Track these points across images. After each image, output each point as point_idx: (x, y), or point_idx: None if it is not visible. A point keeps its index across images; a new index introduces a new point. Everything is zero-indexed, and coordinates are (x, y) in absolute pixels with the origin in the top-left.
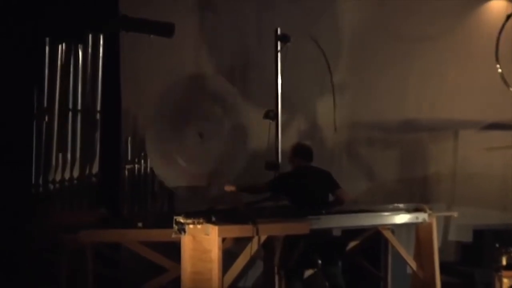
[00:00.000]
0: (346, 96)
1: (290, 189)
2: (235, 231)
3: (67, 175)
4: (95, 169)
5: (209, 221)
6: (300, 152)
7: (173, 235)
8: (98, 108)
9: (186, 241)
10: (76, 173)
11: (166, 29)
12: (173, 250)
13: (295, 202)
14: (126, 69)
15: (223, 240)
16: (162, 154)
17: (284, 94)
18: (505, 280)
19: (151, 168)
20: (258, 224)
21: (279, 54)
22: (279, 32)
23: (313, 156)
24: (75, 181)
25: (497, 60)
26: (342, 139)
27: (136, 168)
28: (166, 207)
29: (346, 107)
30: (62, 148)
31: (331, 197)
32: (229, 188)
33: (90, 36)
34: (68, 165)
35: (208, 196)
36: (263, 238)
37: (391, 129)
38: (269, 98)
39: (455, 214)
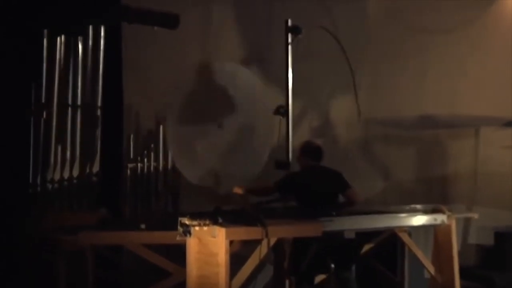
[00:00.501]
0: (360, 91)
1: (297, 190)
2: (243, 233)
3: (66, 174)
4: (96, 168)
5: (215, 222)
6: (309, 151)
7: (178, 238)
8: (99, 103)
9: (192, 244)
10: (75, 172)
11: (170, 21)
12: (178, 253)
13: (303, 203)
14: (128, 63)
15: (231, 242)
16: (184, 148)
17: (296, 89)
18: None
19: (154, 167)
20: (268, 226)
21: (289, 47)
22: (289, 23)
23: (323, 155)
24: (75, 181)
25: None
26: (356, 136)
27: (139, 166)
28: (170, 207)
29: (361, 102)
30: (61, 146)
31: (342, 199)
32: (237, 190)
33: (90, 28)
34: (68, 164)
35: (215, 196)
36: (273, 240)
37: (408, 125)
38: (280, 93)
39: (475, 215)
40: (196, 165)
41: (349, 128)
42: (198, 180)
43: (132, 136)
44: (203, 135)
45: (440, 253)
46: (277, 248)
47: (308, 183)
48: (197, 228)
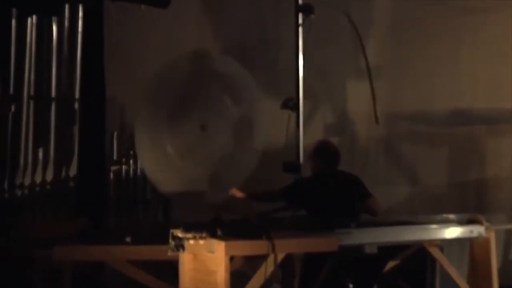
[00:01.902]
0: (382, 81)
1: (309, 199)
2: (246, 248)
3: (38, 178)
4: (73, 171)
5: (214, 235)
6: (323, 153)
7: (169, 253)
8: (77, 95)
9: (186, 260)
10: (49, 176)
11: None
12: (170, 271)
13: (316, 214)
14: (111, 49)
15: (231, 259)
16: (155, 151)
17: (307, 79)
18: None
19: (141, 170)
20: (275, 239)
21: (300, 29)
22: (300, 1)
23: (340, 158)
24: (49, 186)
25: None
26: (378, 134)
27: (124, 169)
28: (160, 218)
29: (383, 94)
30: (32, 145)
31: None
32: (236, 192)
33: (67, 7)
34: (40, 166)
35: (212, 205)
36: (280, 256)
37: (439, 121)
38: (289, 83)
39: None
40: (168, 172)
41: (369, 125)
42: (172, 188)
43: (116, 133)
44: (181, 137)
45: (477, 271)
46: (285, 265)
47: (322, 191)
48: (192, 241)
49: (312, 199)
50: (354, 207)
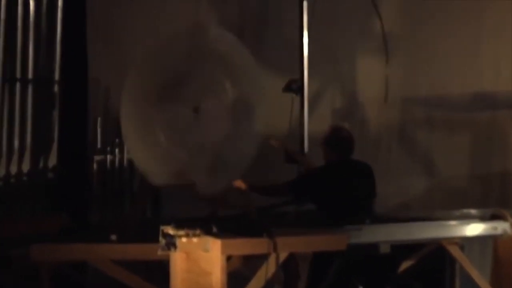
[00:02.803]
0: (397, 61)
1: (320, 193)
2: (244, 246)
3: (13, 169)
4: (52, 161)
5: (208, 232)
6: (337, 142)
7: (159, 252)
8: (56, 77)
9: (178, 260)
10: (26, 167)
11: None
12: (159, 272)
13: (329, 211)
14: (95, 25)
15: (228, 258)
16: (143, 138)
17: (312, 58)
18: None
19: (129, 160)
20: (276, 237)
21: (305, 4)
22: None
23: (354, 146)
24: (25, 178)
25: None
26: (391, 119)
27: (109, 159)
28: (149, 213)
29: (397, 76)
30: (6, 132)
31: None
32: (241, 184)
33: None
34: (15, 156)
35: (207, 198)
36: (283, 256)
37: (459, 106)
38: (292, 63)
39: None
40: (158, 160)
41: (382, 110)
42: (163, 179)
43: (99, 119)
44: (171, 120)
45: (501, 271)
46: (288, 266)
47: (334, 184)
48: (184, 239)
49: (323, 193)
50: (370, 201)
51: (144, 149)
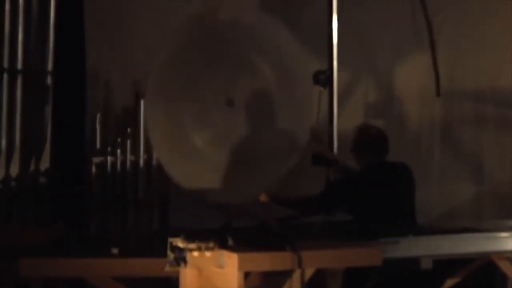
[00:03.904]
0: (439, 51)
1: (360, 203)
2: (264, 261)
3: (1, 173)
4: (45, 163)
5: (223, 245)
6: (371, 144)
7: (167, 268)
8: (50, 68)
9: (188, 277)
10: (14, 170)
11: None
12: None
13: (368, 223)
14: (94, 9)
15: (246, 275)
16: (174, 141)
17: (343, 45)
18: None
19: (132, 162)
20: (301, 251)
21: None
22: None
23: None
24: (14, 182)
25: None
26: (433, 116)
27: (109, 162)
28: (156, 223)
29: (440, 67)
30: None
31: None
32: (265, 199)
33: None
34: (2, 158)
35: (224, 207)
36: (309, 272)
37: (511, 101)
38: (320, 51)
39: None
40: (191, 162)
41: (423, 105)
42: (193, 183)
43: (99, 116)
44: (203, 116)
45: None
46: (315, 284)
47: (376, 192)
48: (196, 253)
49: (362, 202)
50: (413, 209)
51: (176, 154)
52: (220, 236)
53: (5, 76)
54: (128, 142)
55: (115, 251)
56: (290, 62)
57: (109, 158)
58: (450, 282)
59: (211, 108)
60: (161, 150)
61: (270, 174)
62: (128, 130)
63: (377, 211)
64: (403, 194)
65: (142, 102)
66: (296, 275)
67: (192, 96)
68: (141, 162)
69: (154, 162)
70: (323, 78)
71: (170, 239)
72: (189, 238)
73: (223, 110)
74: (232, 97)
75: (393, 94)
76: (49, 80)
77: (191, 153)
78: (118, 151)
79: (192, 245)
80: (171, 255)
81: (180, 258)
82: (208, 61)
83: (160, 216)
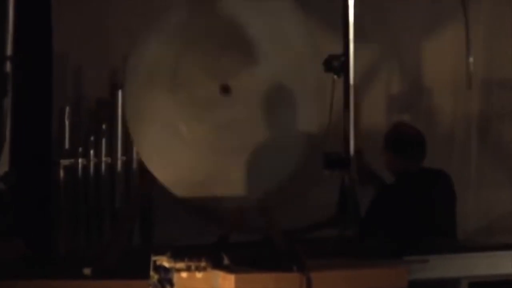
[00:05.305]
0: (477, 35)
1: (396, 219)
2: (267, 283)
3: None
4: (4, 166)
5: (218, 264)
6: (404, 146)
7: None
8: (8, 52)
9: None
10: None
11: None
12: None
13: (398, 237)
14: None
15: None
16: (157, 131)
17: (360, 26)
18: None
19: (108, 165)
20: (312, 271)
21: None
22: None
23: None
24: None
25: None
26: (469, 111)
27: (81, 165)
28: (137, 238)
29: (478, 54)
30: None
31: None
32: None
33: None
34: None
35: (217, 218)
36: None
37: None
38: (335, 32)
39: None
40: (181, 163)
41: (456, 97)
42: (185, 189)
43: (68, 109)
44: (194, 106)
45: None
46: None
47: (412, 205)
48: (184, 274)
49: (393, 217)
50: (453, 225)
51: (163, 155)
52: (213, 253)
53: None
54: (103, 141)
55: (87, 271)
56: (298, 44)
57: (80, 161)
58: None
59: (205, 97)
60: (144, 149)
61: (273, 175)
62: (103, 126)
63: (412, 226)
64: (442, 208)
65: (120, 93)
66: None
67: (181, 84)
68: (119, 165)
69: (134, 164)
70: (337, 64)
71: (153, 257)
72: (176, 256)
73: (218, 99)
74: (227, 83)
75: (421, 84)
76: (8, 67)
77: (182, 153)
78: (91, 151)
79: (180, 264)
80: (154, 276)
81: (166, 280)
82: (198, 40)
83: (142, 229)
